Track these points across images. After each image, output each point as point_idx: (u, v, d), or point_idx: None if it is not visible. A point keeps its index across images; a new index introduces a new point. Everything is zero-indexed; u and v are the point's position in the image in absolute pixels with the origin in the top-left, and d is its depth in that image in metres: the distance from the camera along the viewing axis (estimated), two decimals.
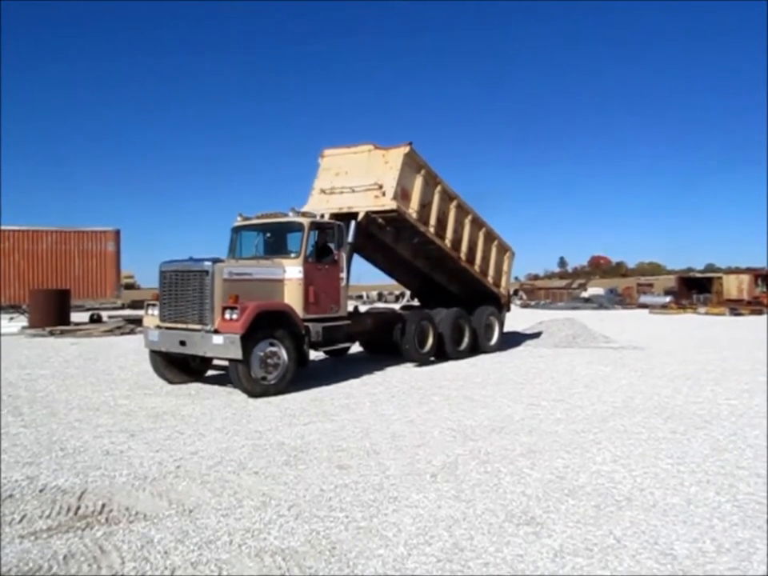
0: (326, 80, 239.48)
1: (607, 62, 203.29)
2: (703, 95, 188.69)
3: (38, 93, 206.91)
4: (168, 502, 4.48)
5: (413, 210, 11.37)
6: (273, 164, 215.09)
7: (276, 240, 10.44)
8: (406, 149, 11.15)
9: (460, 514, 4.22)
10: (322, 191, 11.66)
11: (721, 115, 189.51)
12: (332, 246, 10.15)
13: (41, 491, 4.72)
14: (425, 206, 11.73)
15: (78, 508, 4.35)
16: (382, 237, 11.67)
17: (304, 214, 10.13)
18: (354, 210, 10.99)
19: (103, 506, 4.40)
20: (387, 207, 10.89)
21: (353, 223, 10.64)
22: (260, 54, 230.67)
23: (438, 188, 12.12)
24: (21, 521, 4.13)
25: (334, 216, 11.08)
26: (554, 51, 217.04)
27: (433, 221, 11.92)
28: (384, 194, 10.91)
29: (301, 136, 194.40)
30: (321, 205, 11.46)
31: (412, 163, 11.38)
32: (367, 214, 10.95)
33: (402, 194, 11.13)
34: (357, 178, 11.29)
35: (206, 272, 8.68)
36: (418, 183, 11.52)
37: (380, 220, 11.30)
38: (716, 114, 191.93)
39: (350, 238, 10.54)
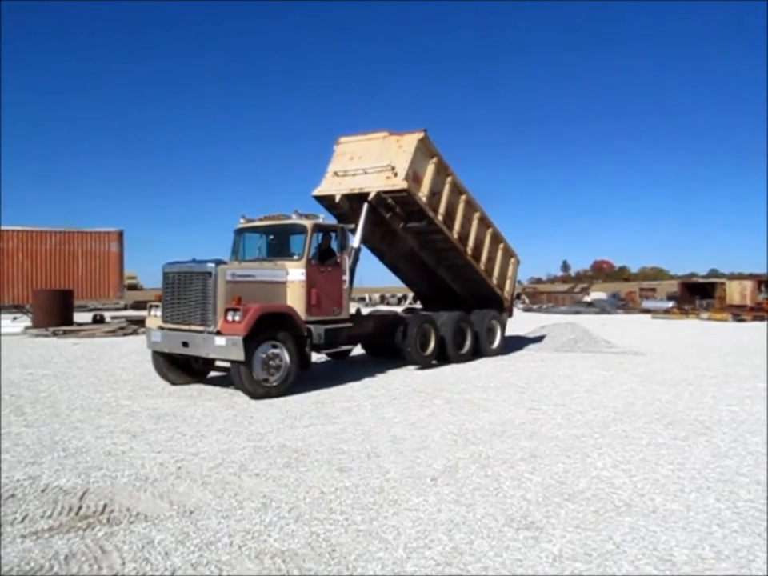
0: (328, 81, 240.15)
1: (609, 65, 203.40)
2: (707, 99, 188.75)
3: (41, 93, 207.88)
4: (169, 503, 4.50)
5: (423, 194, 11.49)
6: (277, 166, 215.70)
7: (279, 242, 10.47)
8: (421, 134, 11.35)
9: (460, 518, 4.23)
10: (335, 174, 11.83)
11: (724, 120, 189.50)
12: (335, 248, 10.19)
13: (42, 491, 4.74)
14: (435, 194, 11.85)
15: (80, 508, 4.37)
16: (390, 221, 11.77)
17: (307, 216, 10.16)
18: (366, 190, 11.18)
19: (104, 506, 4.42)
20: (398, 187, 11.03)
21: (360, 224, 10.74)
22: (263, 54, 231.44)
23: (449, 179, 12.22)
24: (22, 520, 4.15)
25: (346, 197, 11.22)
26: (555, 53, 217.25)
27: (442, 210, 12.00)
28: (396, 175, 11.07)
29: (305, 138, 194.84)
30: (333, 186, 11.65)
31: (425, 149, 11.54)
32: (378, 193, 11.10)
33: (414, 178, 11.27)
34: (370, 161, 11.47)
35: (209, 273, 8.71)
36: (430, 170, 11.65)
37: (390, 200, 11.41)
38: (719, 119, 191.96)
39: (355, 243, 10.63)
